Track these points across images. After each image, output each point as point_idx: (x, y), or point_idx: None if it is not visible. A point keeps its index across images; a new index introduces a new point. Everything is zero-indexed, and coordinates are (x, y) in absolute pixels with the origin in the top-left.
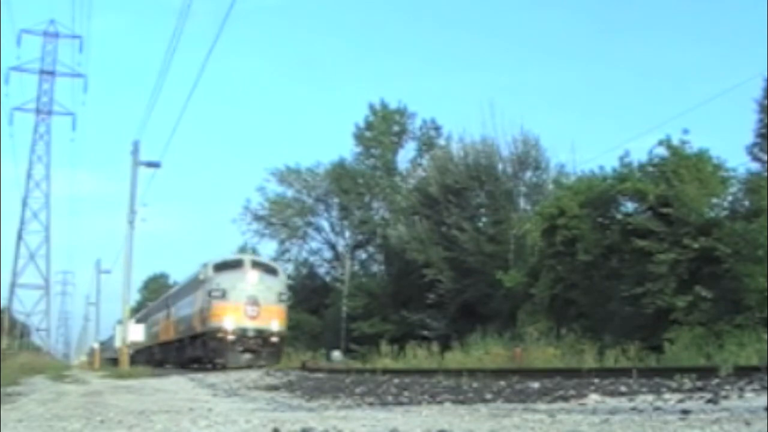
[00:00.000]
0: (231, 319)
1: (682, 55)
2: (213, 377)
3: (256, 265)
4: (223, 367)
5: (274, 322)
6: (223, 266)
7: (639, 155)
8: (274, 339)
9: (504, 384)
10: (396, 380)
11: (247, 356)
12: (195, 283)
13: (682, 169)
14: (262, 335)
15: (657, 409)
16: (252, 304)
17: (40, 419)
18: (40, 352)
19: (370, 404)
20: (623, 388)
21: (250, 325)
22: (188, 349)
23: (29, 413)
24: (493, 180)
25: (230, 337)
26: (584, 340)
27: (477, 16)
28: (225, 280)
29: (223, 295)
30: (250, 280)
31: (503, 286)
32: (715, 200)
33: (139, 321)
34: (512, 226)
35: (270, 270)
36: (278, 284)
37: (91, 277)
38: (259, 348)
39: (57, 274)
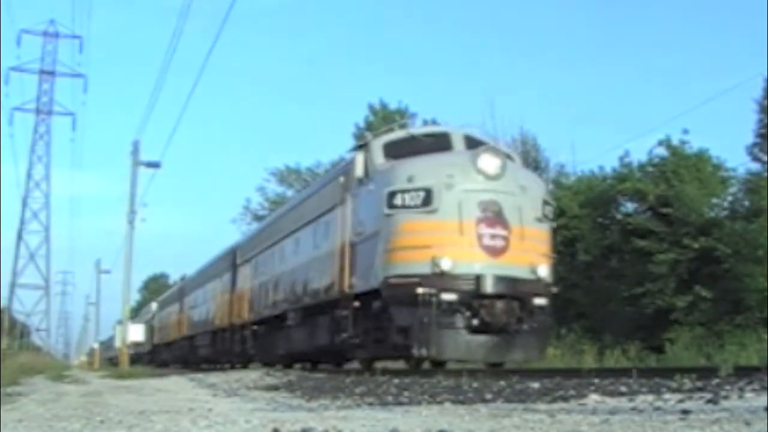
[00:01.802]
0: (449, 255)
1: (682, 55)
2: (213, 377)
3: (476, 144)
4: (416, 364)
5: (542, 266)
6: (408, 146)
7: (639, 155)
8: (541, 301)
9: (504, 384)
10: (396, 380)
11: (483, 339)
12: (331, 191)
13: (682, 169)
14: (517, 291)
15: (657, 409)
16: (493, 223)
17: (40, 419)
18: (40, 352)
19: (370, 404)
20: (623, 388)
21: (490, 268)
22: (304, 332)
23: (29, 413)
24: None
25: (448, 297)
26: (584, 340)
27: (477, 17)
28: (425, 171)
29: (426, 201)
30: (485, 167)
31: None
32: (715, 200)
33: (164, 305)
34: None
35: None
36: (536, 184)
37: (91, 277)
38: (512, 320)
39: (57, 274)
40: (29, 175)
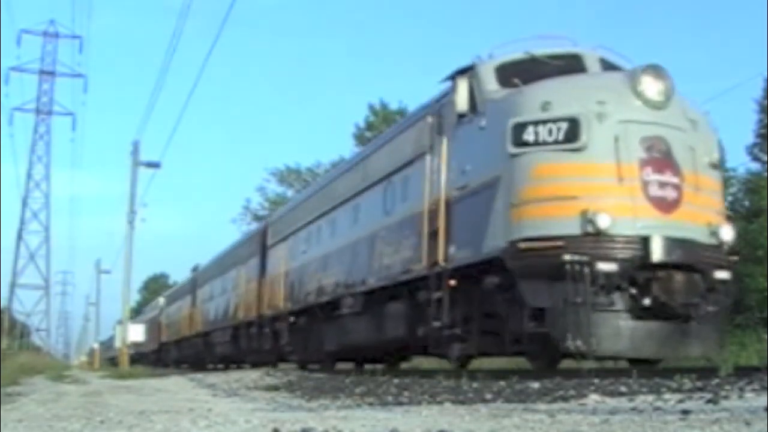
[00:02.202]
0: (606, 208)
1: (683, 55)
2: (213, 377)
3: (611, 67)
4: (551, 362)
5: (725, 227)
6: (529, 70)
7: None
8: (723, 275)
9: (504, 384)
10: (396, 380)
11: (655, 327)
12: (413, 137)
13: None
14: (698, 261)
15: (657, 409)
16: (661, 166)
17: (40, 419)
18: (40, 352)
19: (370, 404)
20: (623, 388)
21: (661, 227)
22: (367, 322)
23: (29, 413)
24: None
25: (606, 267)
26: None
27: (478, 16)
28: (566, 95)
29: (571, 135)
30: (647, 92)
31: None
32: None
33: (173, 299)
34: None
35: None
36: (706, 120)
37: (91, 277)
38: (695, 300)
39: (57, 274)
40: (29, 175)
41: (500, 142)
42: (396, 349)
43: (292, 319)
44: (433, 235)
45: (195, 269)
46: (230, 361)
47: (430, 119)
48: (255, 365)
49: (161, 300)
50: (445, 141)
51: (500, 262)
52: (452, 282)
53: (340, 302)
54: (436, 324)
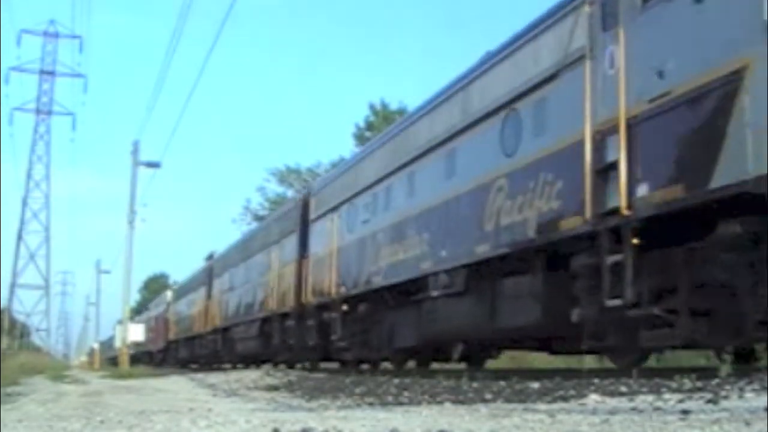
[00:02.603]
0: None
1: None
2: (213, 377)
3: None
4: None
5: None
6: None
7: None
8: None
9: (504, 384)
10: (396, 380)
11: None
12: (552, 42)
13: None
14: None
15: (657, 409)
16: None
17: (40, 419)
18: (40, 352)
19: (370, 404)
20: (623, 388)
21: None
22: (472, 307)
23: (29, 413)
24: None
25: None
26: None
27: (478, 14)
28: None
29: None
30: None
31: None
32: None
33: (182, 293)
34: None
35: None
36: None
37: (91, 277)
38: None
39: (57, 274)
40: (29, 175)
41: (744, 12)
42: (515, 341)
43: (346, 307)
44: (603, 173)
45: (210, 257)
46: (256, 361)
47: (588, 9)
48: (290, 365)
49: (169, 294)
50: (621, 35)
51: (750, 200)
52: (635, 240)
53: (427, 281)
54: (614, 302)
